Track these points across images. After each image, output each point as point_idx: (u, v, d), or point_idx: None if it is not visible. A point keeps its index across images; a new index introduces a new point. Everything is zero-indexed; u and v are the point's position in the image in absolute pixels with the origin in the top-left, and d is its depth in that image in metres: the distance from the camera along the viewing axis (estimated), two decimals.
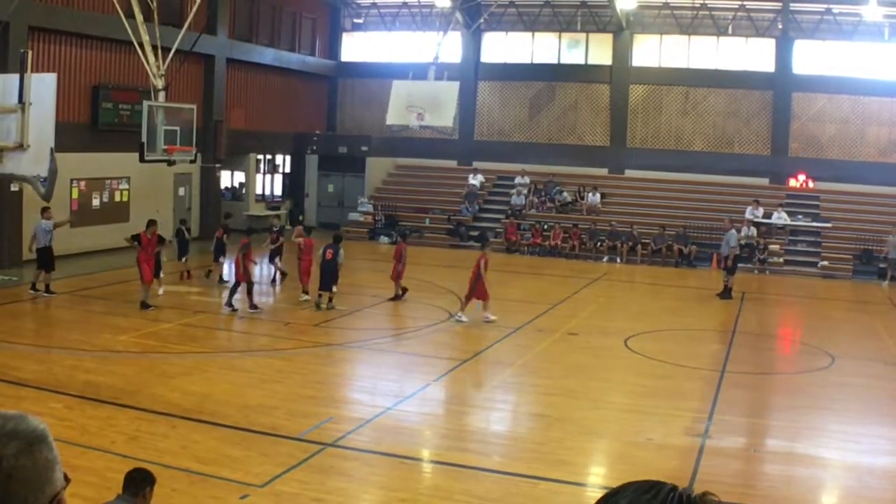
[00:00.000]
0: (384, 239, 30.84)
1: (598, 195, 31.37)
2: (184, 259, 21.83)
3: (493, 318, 17.59)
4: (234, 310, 17.86)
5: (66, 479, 1.62)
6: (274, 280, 22.13)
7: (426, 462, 10.45)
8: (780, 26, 30.98)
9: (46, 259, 18.82)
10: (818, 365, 15.42)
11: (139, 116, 19.53)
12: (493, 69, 34.44)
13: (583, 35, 33.72)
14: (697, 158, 31.88)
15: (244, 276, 17.95)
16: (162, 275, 19.35)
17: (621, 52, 32.75)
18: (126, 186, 26.00)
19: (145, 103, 18.58)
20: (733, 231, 23.42)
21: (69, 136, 20.60)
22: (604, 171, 33.05)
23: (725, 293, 22.02)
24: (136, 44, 18.47)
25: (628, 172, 32.76)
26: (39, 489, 1.55)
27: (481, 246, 19.35)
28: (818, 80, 30.66)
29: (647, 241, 28.51)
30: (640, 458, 10.31)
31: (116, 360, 13.93)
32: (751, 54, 31.66)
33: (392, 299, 19.76)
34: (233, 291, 18.15)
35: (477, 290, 17.72)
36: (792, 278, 25.93)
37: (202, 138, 24.97)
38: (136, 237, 18.52)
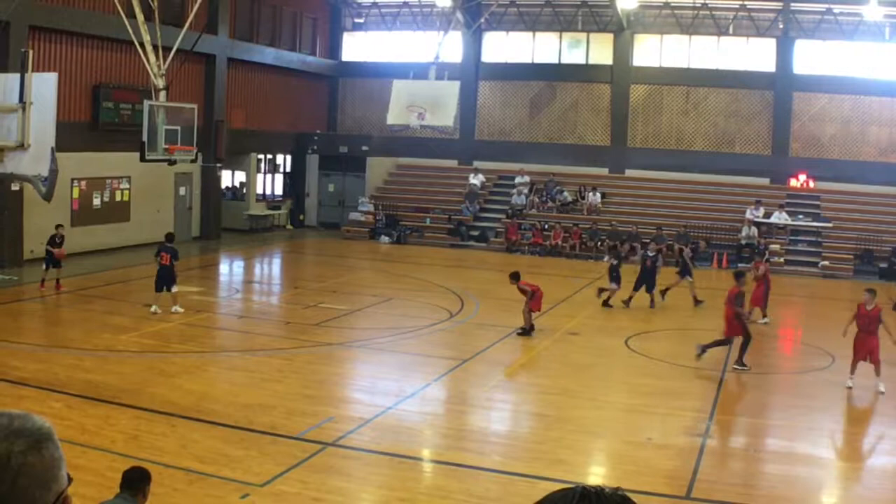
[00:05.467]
0: (385, 238, 30.87)
1: (598, 195, 31.37)
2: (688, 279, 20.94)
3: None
4: (746, 368, 14.77)
5: (69, 479, 1.63)
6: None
7: (426, 461, 10.46)
8: (781, 26, 30.97)
9: None
10: (818, 364, 15.42)
11: (140, 116, 19.55)
12: (493, 69, 34.43)
13: (583, 35, 33.71)
14: (698, 158, 31.87)
15: (740, 330, 15.06)
16: (175, 288, 17.38)
17: (622, 51, 32.73)
18: (127, 186, 26.01)
19: (146, 103, 18.58)
20: None
21: (70, 136, 20.62)
22: (604, 171, 33.05)
23: None
24: (136, 43, 18.47)
25: (629, 172, 32.76)
26: (46, 487, 1.56)
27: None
28: (819, 79, 30.64)
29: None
30: (639, 458, 10.31)
31: (116, 360, 13.94)
32: (751, 54, 31.64)
33: (521, 333, 17.02)
34: (743, 348, 14.96)
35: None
36: (792, 278, 25.92)
37: (203, 138, 24.95)
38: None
